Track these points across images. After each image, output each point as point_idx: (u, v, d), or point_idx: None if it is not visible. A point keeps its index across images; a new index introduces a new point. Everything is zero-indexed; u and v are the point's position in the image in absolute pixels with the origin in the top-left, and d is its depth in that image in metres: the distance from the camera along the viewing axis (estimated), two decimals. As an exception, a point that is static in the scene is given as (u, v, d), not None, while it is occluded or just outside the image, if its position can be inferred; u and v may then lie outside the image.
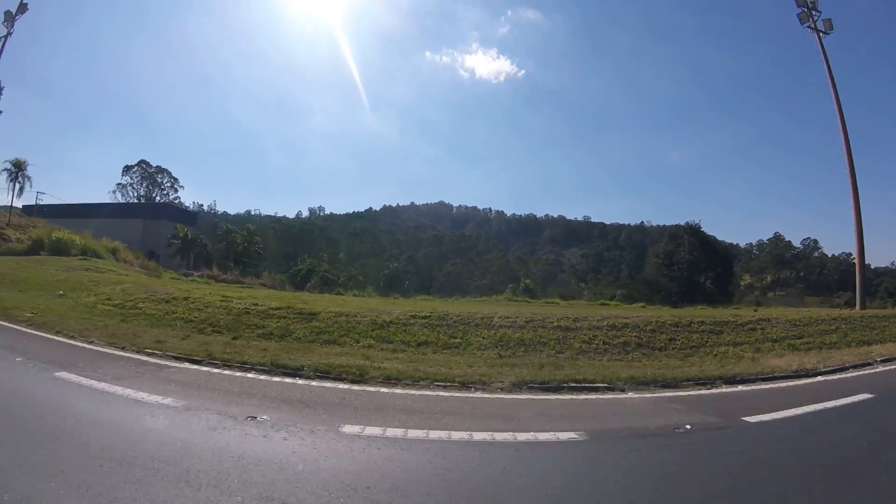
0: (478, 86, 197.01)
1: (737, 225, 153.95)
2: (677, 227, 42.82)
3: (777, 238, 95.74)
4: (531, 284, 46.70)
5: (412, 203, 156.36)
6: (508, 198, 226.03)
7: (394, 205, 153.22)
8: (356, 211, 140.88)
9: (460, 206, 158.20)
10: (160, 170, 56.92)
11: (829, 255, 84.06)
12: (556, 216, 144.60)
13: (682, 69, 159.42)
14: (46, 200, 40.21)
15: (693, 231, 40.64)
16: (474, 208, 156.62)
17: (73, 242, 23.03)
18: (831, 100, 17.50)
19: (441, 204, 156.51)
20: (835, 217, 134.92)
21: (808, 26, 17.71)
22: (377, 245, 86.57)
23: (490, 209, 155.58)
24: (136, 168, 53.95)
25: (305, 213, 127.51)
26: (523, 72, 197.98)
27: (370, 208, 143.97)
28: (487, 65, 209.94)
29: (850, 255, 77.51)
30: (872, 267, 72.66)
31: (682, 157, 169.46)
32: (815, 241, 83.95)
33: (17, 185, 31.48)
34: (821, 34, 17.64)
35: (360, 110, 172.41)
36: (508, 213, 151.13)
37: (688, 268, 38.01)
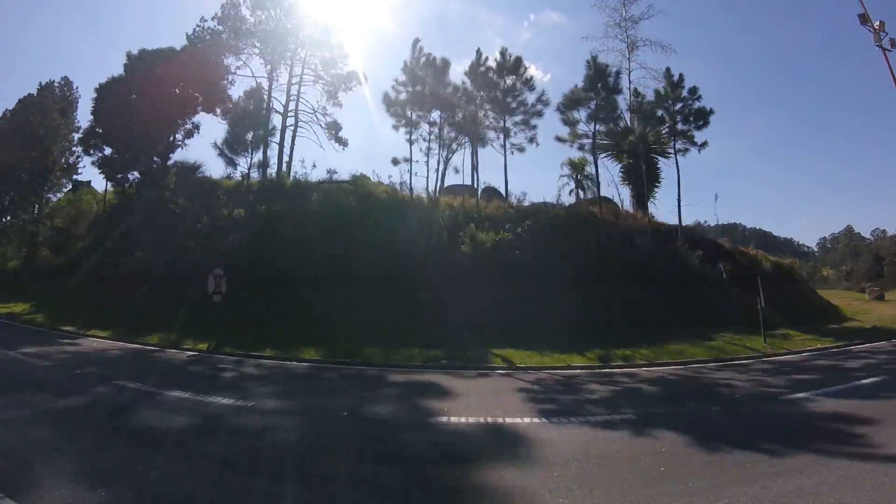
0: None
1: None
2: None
3: (849, 230, 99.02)
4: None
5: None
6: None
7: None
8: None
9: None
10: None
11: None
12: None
13: (713, 58, 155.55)
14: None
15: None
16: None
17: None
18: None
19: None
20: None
21: (877, 45, 16.84)
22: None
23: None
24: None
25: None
26: (549, 76, 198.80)
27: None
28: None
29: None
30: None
31: (718, 151, 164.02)
32: (885, 231, 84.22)
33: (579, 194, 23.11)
34: (886, 52, 16.85)
35: (380, 124, 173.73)
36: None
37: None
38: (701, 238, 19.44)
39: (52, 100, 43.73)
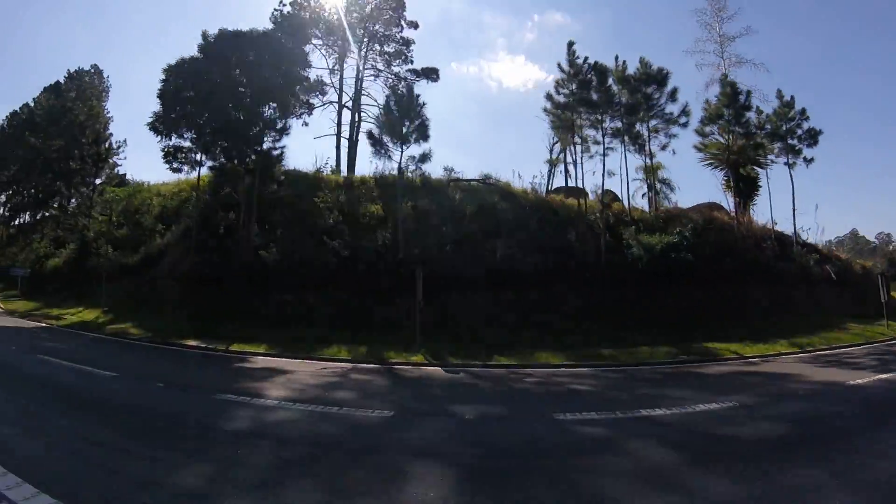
0: (506, 94, 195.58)
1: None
2: None
3: (854, 233, 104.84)
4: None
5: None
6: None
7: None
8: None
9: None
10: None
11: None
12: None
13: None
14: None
15: None
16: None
17: None
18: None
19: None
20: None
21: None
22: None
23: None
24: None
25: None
26: (552, 77, 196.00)
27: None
28: (515, 73, 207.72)
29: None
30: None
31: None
32: (889, 235, 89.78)
33: (652, 193, 24.37)
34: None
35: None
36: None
37: None
38: (803, 243, 22.71)
39: (89, 86, 41.08)
